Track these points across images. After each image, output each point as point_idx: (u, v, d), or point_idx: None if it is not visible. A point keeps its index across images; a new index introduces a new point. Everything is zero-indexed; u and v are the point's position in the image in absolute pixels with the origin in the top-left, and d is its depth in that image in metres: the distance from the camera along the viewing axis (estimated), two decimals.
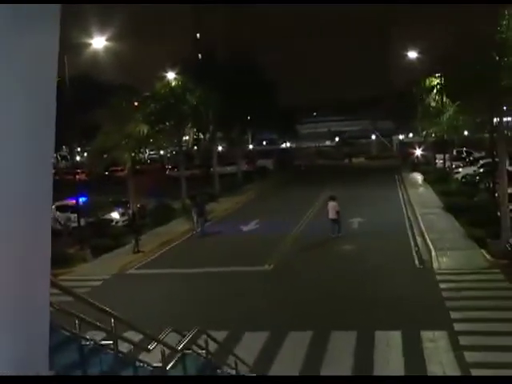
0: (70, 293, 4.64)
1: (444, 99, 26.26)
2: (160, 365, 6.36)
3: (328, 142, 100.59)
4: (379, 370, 11.35)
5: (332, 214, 25.48)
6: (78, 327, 5.20)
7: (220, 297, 17.73)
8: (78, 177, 29.75)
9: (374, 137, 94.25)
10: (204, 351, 7.94)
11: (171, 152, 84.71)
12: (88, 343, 5.21)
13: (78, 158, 66.63)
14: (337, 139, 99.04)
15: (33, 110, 2.82)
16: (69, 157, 54.37)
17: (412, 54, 40.52)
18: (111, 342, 5.17)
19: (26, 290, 3.21)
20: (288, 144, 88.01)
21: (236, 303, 16.88)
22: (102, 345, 5.34)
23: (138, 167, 41.35)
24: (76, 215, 25.50)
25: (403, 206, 33.74)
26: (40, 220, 3.19)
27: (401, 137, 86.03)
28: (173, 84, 35.34)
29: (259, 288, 18.55)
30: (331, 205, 25.64)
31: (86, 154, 59.25)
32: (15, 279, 3.09)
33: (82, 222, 25.84)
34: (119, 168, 61.65)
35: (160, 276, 21.16)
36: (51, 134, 2.98)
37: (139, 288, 19.46)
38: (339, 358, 12.17)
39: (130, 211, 28.41)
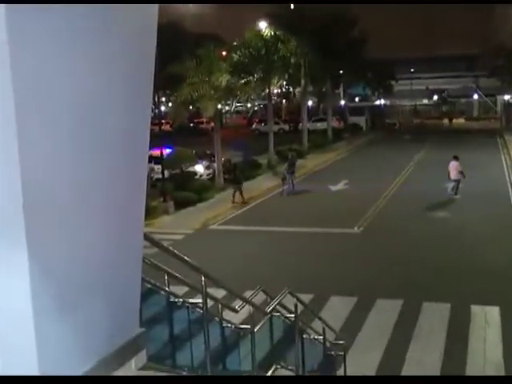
0: (160, 247, 4.51)
1: None
2: (248, 326, 6.34)
3: (425, 101, 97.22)
4: (473, 352, 10.90)
5: (454, 175, 25.13)
6: (167, 283, 5.21)
7: (305, 259, 17.59)
8: (162, 127, 29.61)
9: (476, 96, 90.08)
10: (292, 315, 7.82)
11: (259, 105, 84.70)
12: (177, 300, 5.23)
13: (162, 108, 68.17)
14: (435, 98, 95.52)
15: (132, 73, 3.04)
16: (153, 106, 55.38)
17: None
18: (200, 300, 5.10)
19: (120, 243, 3.24)
20: (382, 101, 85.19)
21: (321, 266, 16.77)
22: (191, 302, 5.34)
23: (224, 120, 41.48)
24: (160, 166, 25.58)
25: (506, 172, 32.45)
26: (136, 172, 3.23)
27: (507, 97, 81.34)
28: (264, 34, 34.80)
29: (347, 252, 18.29)
30: (454, 164, 25.24)
31: (170, 105, 59.87)
32: (110, 231, 3.14)
33: (166, 173, 26.07)
34: (204, 120, 63.47)
35: (244, 233, 21.13)
36: (149, 89, 3.17)
37: (221, 245, 19.47)
38: (430, 332, 11.87)
39: (215, 164, 28.64)
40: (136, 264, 3.43)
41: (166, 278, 5.18)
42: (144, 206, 3.34)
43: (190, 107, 29.73)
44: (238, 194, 25.78)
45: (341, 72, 54.10)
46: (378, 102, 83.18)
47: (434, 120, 76.75)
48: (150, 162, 27.64)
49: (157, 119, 29.10)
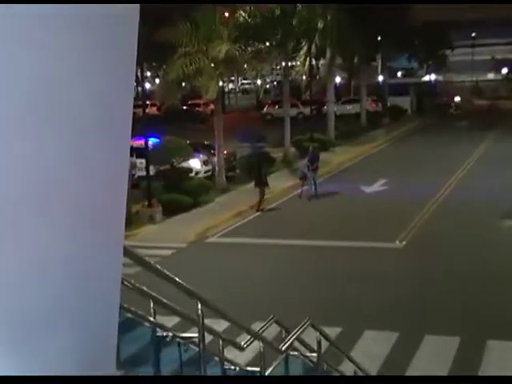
0: (145, 264, 4.50)
1: None
2: (257, 369, 6.35)
3: (491, 75, 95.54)
4: None
5: None
6: (153, 312, 5.27)
7: (331, 282, 17.64)
8: (147, 110, 30.35)
9: None
10: (315, 354, 7.86)
11: (272, 83, 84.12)
12: (165, 334, 5.22)
13: (147, 86, 67.70)
14: (504, 71, 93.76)
15: (109, 42, 3.08)
16: (135, 83, 54.76)
17: None
18: (195, 334, 5.06)
19: (92, 258, 3.19)
20: (432, 76, 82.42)
21: (351, 290, 16.83)
22: (184, 337, 5.34)
23: (227, 101, 41.52)
24: (144, 161, 25.79)
25: None
26: (115, 166, 3.20)
27: None
28: None
29: (385, 272, 18.29)
30: None
31: (158, 82, 59.48)
32: (79, 242, 3.08)
33: (152, 170, 26.20)
34: (201, 101, 62.72)
35: (252, 248, 21.29)
36: (132, 62, 3.22)
37: (223, 263, 19.56)
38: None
39: (215, 159, 28.83)
40: (113, 286, 3.37)
41: (152, 305, 5.22)
42: (124, 210, 3.29)
43: (184, 85, 29.82)
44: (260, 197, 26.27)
45: (379, 39, 53.77)
46: (427, 78, 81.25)
47: (502, 101, 73.61)
48: (131, 155, 27.91)
49: (140, 100, 29.23)
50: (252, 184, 28.12)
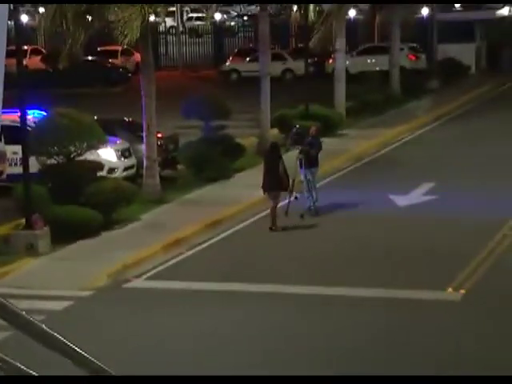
0: (19, 322, 3.54)
1: None
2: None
3: None
4: None
5: None
6: None
7: (349, 357, 14.64)
8: (25, 62, 28.09)
9: None
10: None
11: (241, 17, 75.44)
12: None
13: (24, 19, 52.37)
14: None
15: None
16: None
17: None
18: None
19: None
20: None
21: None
22: None
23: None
24: (19, 149, 21.54)
25: None
26: None
27: None
28: None
29: (434, 341, 15.08)
30: None
31: (42, 11, 46.78)
32: None
33: (34, 165, 21.77)
34: (119, 48, 50.51)
35: (202, 299, 17.51)
36: None
37: (151, 322, 16.08)
38: None
39: (143, 147, 24.18)
40: None
41: None
42: None
43: (89, 18, 24.62)
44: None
45: None
46: (505, 12, 63.92)
47: None
48: None
49: (12, 44, 23.82)
50: (201, 190, 24.42)
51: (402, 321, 16.39)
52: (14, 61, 20.27)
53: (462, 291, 17.49)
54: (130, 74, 49.49)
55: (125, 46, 41.24)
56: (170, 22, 63.63)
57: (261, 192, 23.22)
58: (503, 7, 60.54)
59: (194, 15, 69.65)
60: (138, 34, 23.32)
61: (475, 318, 16.25)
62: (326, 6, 35.64)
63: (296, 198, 21.96)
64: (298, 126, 24.37)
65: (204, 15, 61.66)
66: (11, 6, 22.39)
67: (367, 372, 14.20)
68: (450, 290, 17.66)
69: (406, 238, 21.08)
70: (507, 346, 15.05)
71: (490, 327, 15.89)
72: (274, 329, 16.13)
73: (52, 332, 3.67)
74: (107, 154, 24.82)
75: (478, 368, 13.93)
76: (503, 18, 59.15)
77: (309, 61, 34.93)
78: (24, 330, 3.57)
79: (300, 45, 49.00)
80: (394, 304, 17.17)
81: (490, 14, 59.63)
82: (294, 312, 16.89)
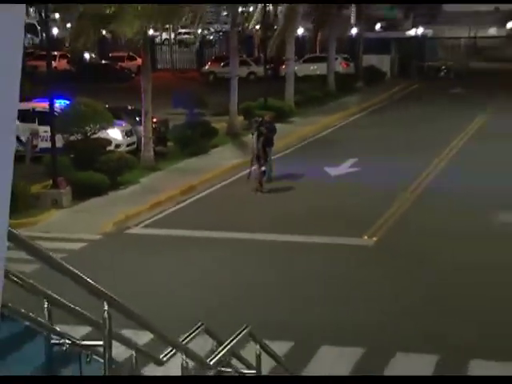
0: (41, 257, 4.17)
1: None
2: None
3: (492, 31, 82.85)
4: None
5: None
6: (48, 314, 5.24)
7: (284, 286, 16.16)
8: (54, 64, 28.93)
9: None
10: (254, 371, 7.84)
11: (217, 33, 79.57)
12: (61, 341, 5.19)
13: (55, 31, 59.96)
14: (510, 25, 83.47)
15: None
16: (39, 28, 41.90)
17: None
18: (100, 342, 4.93)
19: None
20: (420, 30, 71.81)
21: (311, 299, 15.43)
22: (84, 346, 5.36)
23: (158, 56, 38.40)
24: (48, 129, 23.62)
25: None
26: None
27: None
28: None
29: (349, 275, 16.82)
30: None
31: (69, 26, 50.52)
32: None
33: (59, 141, 24.18)
34: (125, 54, 59.68)
35: (185, 242, 19.31)
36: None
37: (148, 262, 17.70)
38: None
39: (141, 128, 26.63)
40: None
41: (47, 305, 5.25)
42: (9, 189, 2.68)
43: (103, 32, 27.42)
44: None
45: None
46: (413, 32, 71.35)
47: (505, 64, 64.84)
48: (32, 120, 27.17)
49: (43, 50, 27.35)
50: (185, 161, 27.18)
51: (327, 255, 18.33)
52: (43, 63, 25.10)
53: (374, 238, 19.40)
54: (133, 75, 55.76)
55: (130, 53, 46.39)
56: (164, 35, 72.35)
57: (230, 162, 28.17)
58: (412, 29, 70.75)
59: (183, 30, 77.92)
60: (134, 35, 26.56)
61: (380, 257, 18.16)
62: (279, 24, 41.74)
63: (264, 171, 24.65)
64: (259, 117, 26.82)
65: (191, 30, 69.46)
66: (42, 17, 24.00)
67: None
68: (365, 237, 19.53)
69: (334, 199, 23.58)
70: (396, 275, 16.67)
71: (388, 263, 17.61)
72: (230, 259, 18.09)
73: (66, 264, 4.40)
74: (114, 134, 28.03)
75: (370, 291, 15.71)
76: (411, 37, 68.46)
77: (267, 66, 41.14)
78: (46, 263, 4.23)
79: (261, 54, 54.57)
80: (321, 246, 19.08)
81: (401, 33, 69.08)
82: (245, 249, 18.81)
